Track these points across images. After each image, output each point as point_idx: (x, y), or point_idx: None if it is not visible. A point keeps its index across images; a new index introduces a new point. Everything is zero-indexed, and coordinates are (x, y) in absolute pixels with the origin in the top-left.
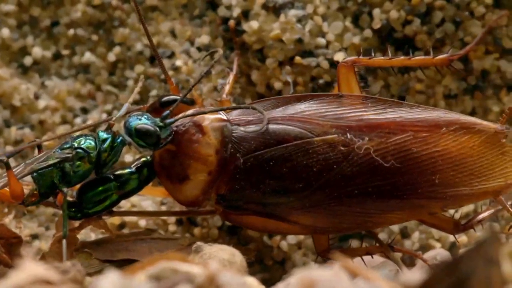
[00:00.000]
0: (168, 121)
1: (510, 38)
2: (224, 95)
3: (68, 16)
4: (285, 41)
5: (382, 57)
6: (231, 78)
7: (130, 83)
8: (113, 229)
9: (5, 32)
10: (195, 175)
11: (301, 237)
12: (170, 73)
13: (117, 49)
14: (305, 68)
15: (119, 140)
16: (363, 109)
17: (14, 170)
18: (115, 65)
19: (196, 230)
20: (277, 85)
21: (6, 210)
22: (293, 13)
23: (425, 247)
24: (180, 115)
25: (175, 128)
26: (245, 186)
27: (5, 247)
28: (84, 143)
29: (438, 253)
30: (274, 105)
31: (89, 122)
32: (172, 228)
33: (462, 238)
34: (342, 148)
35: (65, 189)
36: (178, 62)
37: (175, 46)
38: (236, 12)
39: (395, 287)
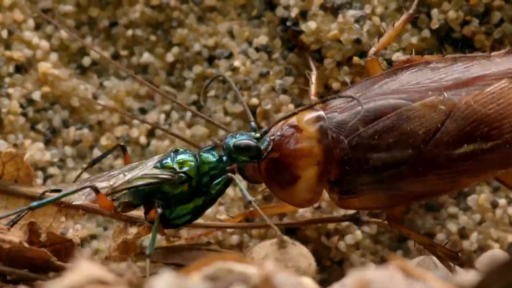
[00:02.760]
0: (262, 130)
1: None
2: (312, 97)
3: (127, 16)
4: (343, 41)
5: (434, 55)
6: (313, 78)
7: (188, 83)
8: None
9: (64, 32)
10: (305, 171)
11: (359, 237)
12: (228, 73)
13: (175, 49)
14: (363, 68)
15: (220, 164)
16: (454, 68)
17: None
18: (173, 65)
19: (254, 230)
20: (335, 85)
21: (63, 219)
22: (351, 13)
23: (483, 248)
24: (273, 123)
25: (272, 137)
26: (355, 166)
27: (60, 252)
28: (187, 167)
29: (495, 253)
30: (366, 86)
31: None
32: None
33: None
34: (442, 107)
35: (159, 210)
36: (236, 63)
37: (233, 46)
38: (294, 12)
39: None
